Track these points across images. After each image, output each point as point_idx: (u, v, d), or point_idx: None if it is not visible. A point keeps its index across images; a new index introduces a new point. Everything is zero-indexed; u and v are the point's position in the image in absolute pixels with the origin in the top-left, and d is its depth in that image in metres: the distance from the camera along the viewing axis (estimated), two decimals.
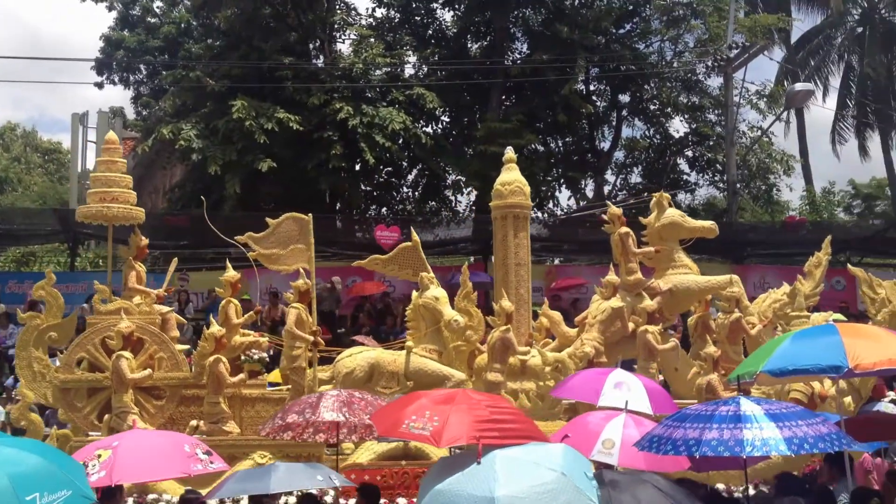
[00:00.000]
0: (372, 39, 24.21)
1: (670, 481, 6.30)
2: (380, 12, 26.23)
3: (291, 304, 11.07)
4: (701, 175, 28.52)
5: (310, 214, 11.80)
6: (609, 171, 28.88)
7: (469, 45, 26.97)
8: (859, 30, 36.12)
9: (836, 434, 6.75)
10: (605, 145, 28.43)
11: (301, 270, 11.44)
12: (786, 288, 12.17)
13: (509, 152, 13.20)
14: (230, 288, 11.44)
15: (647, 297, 11.96)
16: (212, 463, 7.23)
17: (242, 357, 11.28)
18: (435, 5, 26.64)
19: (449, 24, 26.81)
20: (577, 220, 24.56)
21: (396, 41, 25.31)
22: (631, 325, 11.89)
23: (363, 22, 25.84)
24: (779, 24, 28.10)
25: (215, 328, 10.78)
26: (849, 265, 12.68)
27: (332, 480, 7.30)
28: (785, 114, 31.03)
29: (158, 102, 26.81)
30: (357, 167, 23.30)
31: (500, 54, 25.61)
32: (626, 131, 28.88)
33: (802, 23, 35.75)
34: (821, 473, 8.64)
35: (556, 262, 25.12)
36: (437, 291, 11.35)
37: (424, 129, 24.09)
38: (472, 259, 23.91)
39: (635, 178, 29.22)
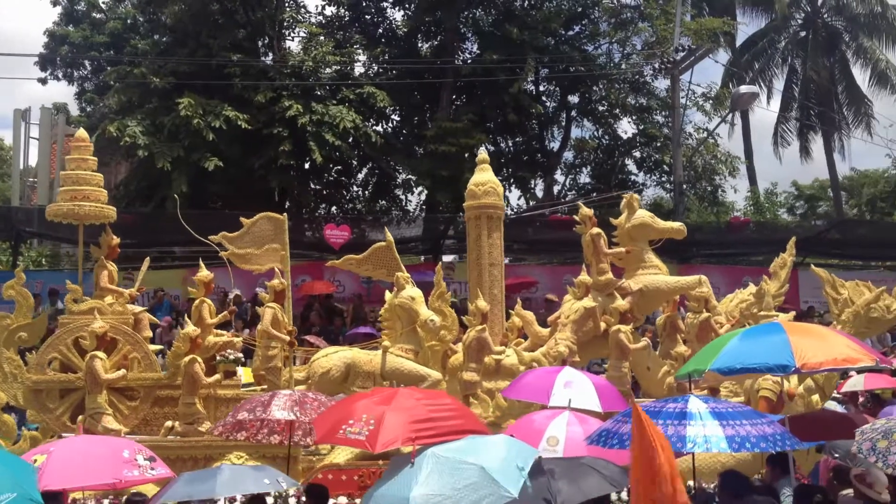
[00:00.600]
0: (322, 37, 24.08)
1: (619, 467, 6.35)
2: (330, 10, 26.19)
3: (266, 303, 11.05)
4: (648, 176, 28.90)
5: (285, 214, 11.83)
6: (558, 171, 29.11)
7: (419, 45, 27.01)
8: (802, 34, 36.88)
9: (779, 434, 6.86)
10: (555, 145, 28.69)
11: (276, 270, 11.42)
12: (752, 288, 12.32)
13: (483, 153, 13.38)
14: (203, 287, 11.41)
15: (619, 297, 12.09)
16: (152, 469, 7.15)
17: (218, 357, 11.22)
18: (385, 4, 26.64)
19: (399, 23, 26.81)
20: (526, 219, 24.68)
21: (346, 39, 25.23)
22: (602, 325, 11.99)
23: (313, 20, 25.75)
24: (724, 28, 28.57)
25: (190, 328, 10.70)
26: (812, 266, 12.89)
27: (280, 484, 7.20)
28: (730, 116, 31.57)
29: (103, 99, 26.30)
30: (306, 165, 23.17)
31: (451, 54, 25.66)
32: (575, 132, 29.16)
33: (747, 26, 36.48)
34: (766, 473, 8.77)
35: (506, 261, 25.21)
36: (413, 291, 11.35)
37: (375, 127, 24.04)
38: (422, 259, 23.90)
39: (584, 178, 29.53)
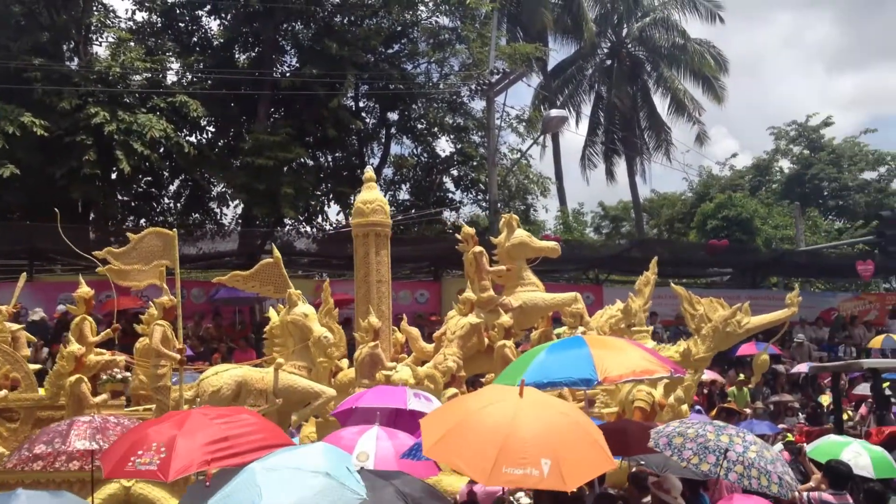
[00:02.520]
0: (132, 43, 23.10)
1: (424, 484, 6.38)
2: (140, 16, 25.20)
3: (155, 321, 10.67)
4: (465, 194, 29.53)
5: (174, 230, 11.38)
6: (378, 188, 29.15)
7: (237, 56, 26.45)
8: (608, 62, 38.99)
9: None
10: (375, 161, 28.76)
11: (164, 287, 11.04)
12: (619, 305, 12.73)
13: (369, 171, 13.35)
14: (84, 304, 11.18)
15: (503, 313, 12.19)
16: None
17: (104, 377, 10.90)
18: (200, 13, 25.90)
19: (215, 33, 26.15)
20: (346, 235, 24.54)
21: (158, 46, 24.34)
22: (486, 340, 12.08)
23: (122, 25, 24.65)
24: (536, 53, 29.76)
25: (75, 347, 10.38)
26: (672, 284, 13.56)
27: None
28: (541, 138, 32.82)
29: None
30: (113, 175, 22.08)
31: (269, 66, 25.28)
32: (394, 148, 29.46)
33: (558, 53, 38.18)
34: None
35: (325, 276, 25.04)
36: (305, 308, 11.19)
37: (188, 138, 23.27)
38: None
39: (403, 194, 29.77)
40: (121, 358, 11.40)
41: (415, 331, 13.13)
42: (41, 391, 10.70)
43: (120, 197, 23.57)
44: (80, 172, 20.32)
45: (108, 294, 19.10)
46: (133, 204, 24.47)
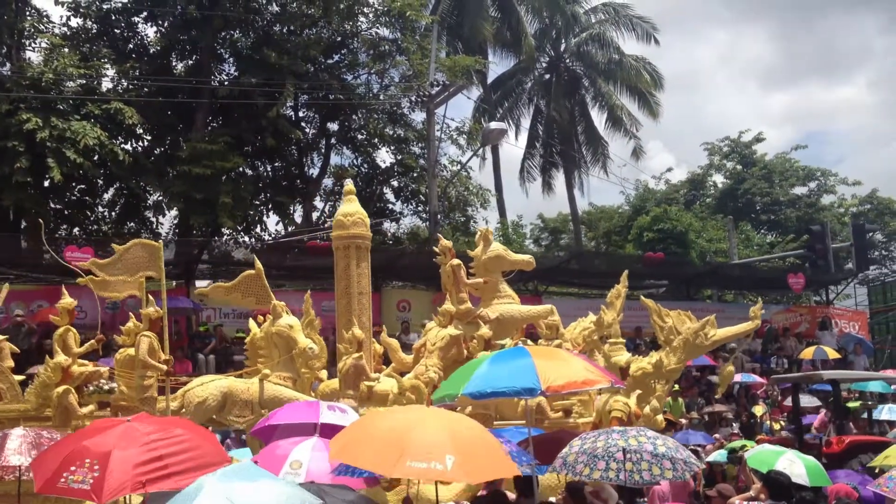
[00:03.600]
0: (66, 49, 22.62)
1: (359, 496, 6.39)
2: (75, 22, 24.62)
3: (142, 332, 10.60)
4: (406, 205, 29.57)
5: (160, 241, 11.41)
6: (318, 198, 29.08)
7: (174, 63, 26.07)
8: (547, 76, 39.40)
9: (516, 452, 7.19)
10: (314, 172, 28.66)
11: (149, 297, 11.02)
12: (592, 317, 12.97)
13: (349, 184, 13.40)
14: (67, 315, 11.08)
15: (482, 325, 12.26)
16: None
17: (91, 387, 10.81)
18: (137, 19, 25.49)
19: (152, 40, 25.74)
20: (285, 245, 24.39)
21: (93, 53, 23.85)
22: (465, 352, 12.10)
23: (56, 30, 24.12)
24: (476, 66, 29.93)
25: (61, 357, 10.36)
26: (642, 297, 13.83)
27: None
28: (481, 150, 33.01)
29: None
30: (46, 183, 21.56)
31: (207, 74, 24.99)
32: (334, 159, 29.34)
33: (497, 66, 38.47)
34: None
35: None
36: (290, 319, 11.29)
37: (123, 146, 22.83)
38: (174, 283, 22.89)
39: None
40: (104, 369, 11.31)
41: (394, 342, 13.24)
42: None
43: (53, 205, 22.99)
44: (12, 179, 19.81)
45: (39, 304, 18.76)
46: (66, 212, 23.90)
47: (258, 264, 11.99)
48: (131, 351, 11.12)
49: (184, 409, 10.74)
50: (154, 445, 5.92)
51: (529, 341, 13.81)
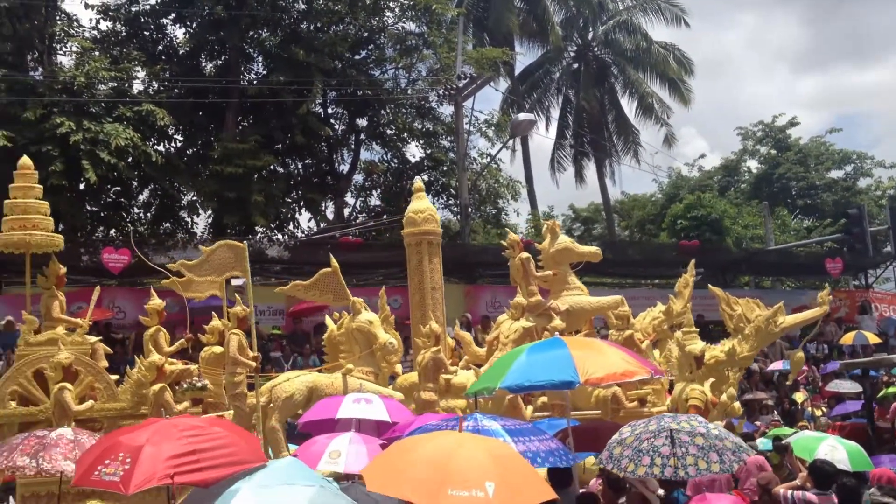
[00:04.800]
0: (96, 53, 22.84)
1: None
2: (105, 25, 24.91)
3: (231, 330, 10.90)
4: (436, 199, 29.45)
5: (245, 241, 11.70)
6: (349, 194, 29.16)
7: (203, 64, 26.25)
8: (575, 66, 39.14)
9: (563, 450, 7.16)
10: (345, 168, 28.72)
11: (237, 297, 11.42)
12: (661, 307, 13.17)
13: (417, 181, 13.75)
14: (156, 315, 11.58)
15: (554, 317, 12.37)
16: None
17: (185, 385, 11.18)
18: (165, 21, 25.70)
19: (181, 41, 25.93)
20: (317, 242, 24.48)
21: (124, 55, 24.06)
22: None
23: (86, 34, 24.36)
24: (503, 57, 29.80)
25: (155, 356, 10.73)
26: (710, 286, 13.88)
27: None
28: (511, 142, 32.89)
29: None
30: (81, 186, 21.80)
31: (236, 74, 25.13)
32: (364, 154, 29.37)
33: (525, 57, 38.25)
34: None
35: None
36: (370, 315, 11.58)
37: (156, 147, 23.03)
38: None
39: (375, 200, 29.70)
40: (194, 367, 11.66)
41: (467, 335, 13.41)
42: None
43: (89, 207, 23.24)
44: (48, 183, 20.02)
45: (78, 305, 18.96)
46: (102, 214, 24.17)
47: (334, 262, 12.12)
48: (216, 349, 11.65)
49: (271, 404, 10.94)
50: (188, 441, 5.93)
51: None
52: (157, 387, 10.27)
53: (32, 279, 11.65)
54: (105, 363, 11.26)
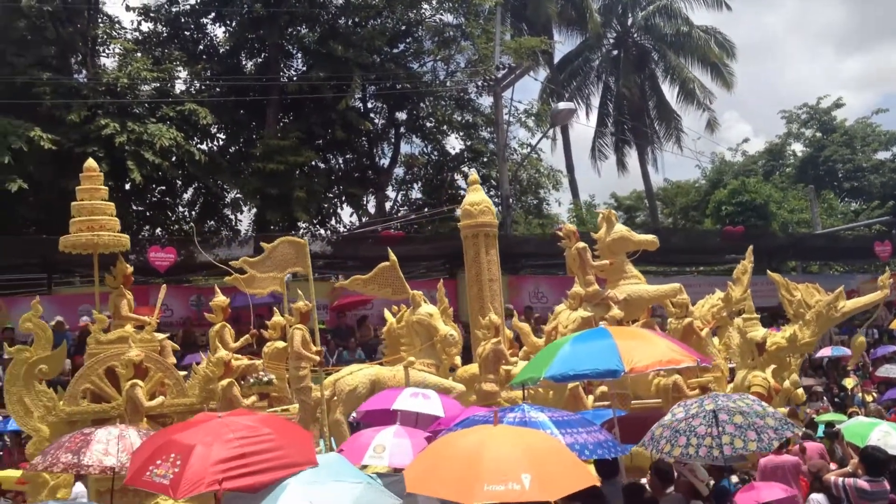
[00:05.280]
0: (138, 54, 23.15)
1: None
2: (146, 26, 25.29)
3: (294, 325, 11.11)
4: None
5: (306, 238, 11.64)
6: (390, 188, 29.24)
7: (243, 62, 26.49)
8: (614, 52, 38.79)
9: (611, 441, 7.13)
10: (385, 162, 28.79)
11: (299, 292, 11.58)
12: (720, 294, 13.18)
13: (473, 175, 13.95)
14: (221, 312, 11.91)
15: (613, 307, 12.44)
16: None
17: (251, 380, 11.41)
18: (205, 20, 25.95)
19: (221, 39, 26.18)
20: (359, 236, 24.59)
21: (165, 56, 24.37)
22: None
23: (128, 36, 24.71)
24: (542, 46, 29.64)
25: (223, 352, 11.00)
26: (768, 271, 13.87)
27: None
28: (551, 131, 32.69)
29: None
30: (127, 186, 22.14)
31: (276, 71, 25.32)
32: (404, 148, 29.41)
33: (563, 45, 38.00)
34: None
35: (340, 278, 25.05)
36: (430, 308, 11.78)
37: (199, 146, 23.31)
38: None
39: (416, 193, 29.74)
40: (259, 362, 11.89)
41: (525, 326, 13.38)
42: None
43: (134, 207, 23.60)
44: None
45: None
46: (148, 214, 24.54)
47: (392, 256, 12.31)
48: (278, 344, 11.85)
49: (335, 398, 11.13)
50: (238, 443, 5.88)
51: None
52: (224, 382, 10.46)
53: (100, 279, 11.84)
54: (173, 359, 11.50)
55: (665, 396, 11.64)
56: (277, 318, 12.09)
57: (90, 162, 11.87)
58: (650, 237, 13.68)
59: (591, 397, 11.58)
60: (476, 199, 13.13)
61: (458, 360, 12.51)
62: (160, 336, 11.51)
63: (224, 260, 13.99)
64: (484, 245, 12.90)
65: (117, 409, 10.20)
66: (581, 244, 12.99)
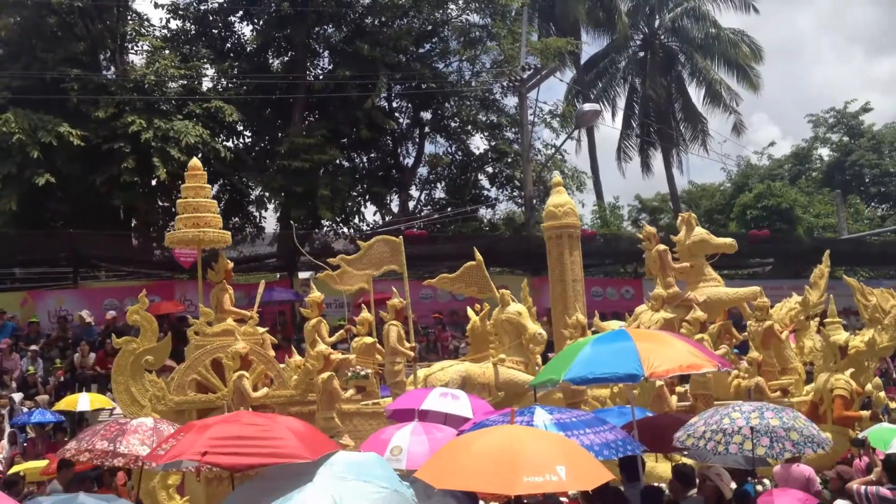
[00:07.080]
0: (166, 51, 23.34)
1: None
2: (175, 24, 25.45)
3: (389, 321, 11.43)
4: (501, 190, 29.42)
5: (400, 237, 12.40)
6: (413, 187, 29.28)
7: (270, 60, 26.63)
8: (641, 54, 38.61)
9: (621, 440, 7.08)
10: (409, 161, 28.84)
11: (393, 289, 11.97)
12: (797, 298, 13.36)
13: (557, 176, 14.14)
14: (317, 308, 12.03)
15: (696, 308, 12.47)
16: None
17: (349, 374, 11.53)
18: (233, 19, 26.13)
19: (248, 38, 26.33)
20: (383, 234, 24.60)
21: (193, 53, 24.56)
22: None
23: (157, 33, 24.91)
24: (568, 47, 29.54)
25: (322, 346, 11.10)
26: (844, 276, 13.87)
27: None
28: (576, 133, 32.57)
29: None
30: (153, 182, 22.33)
31: (302, 70, 25.43)
32: (429, 147, 29.46)
33: (590, 46, 37.87)
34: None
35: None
36: (518, 307, 11.95)
37: (225, 143, 23.46)
38: (277, 276, 23.45)
39: (439, 193, 29.76)
40: (353, 356, 11.99)
41: (608, 325, 13.40)
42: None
43: (161, 203, 23.80)
44: (120, 180, 20.57)
45: (151, 298, 19.47)
46: (173, 210, 24.71)
47: (478, 255, 12.46)
48: (367, 339, 12.00)
49: None
50: (241, 426, 6.04)
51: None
52: (325, 375, 10.49)
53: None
54: (272, 352, 11.66)
55: (745, 398, 11.63)
56: (365, 314, 12.22)
57: (195, 161, 12.13)
58: (729, 240, 13.81)
59: (674, 397, 11.60)
60: (560, 200, 13.17)
61: (538, 358, 12.56)
62: (261, 330, 11.73)
63: (318, 255, 14.27)
64: (568, 246, 12.93)
65: (222, 400, 10.40)
66: (662, 246, 13.15)
